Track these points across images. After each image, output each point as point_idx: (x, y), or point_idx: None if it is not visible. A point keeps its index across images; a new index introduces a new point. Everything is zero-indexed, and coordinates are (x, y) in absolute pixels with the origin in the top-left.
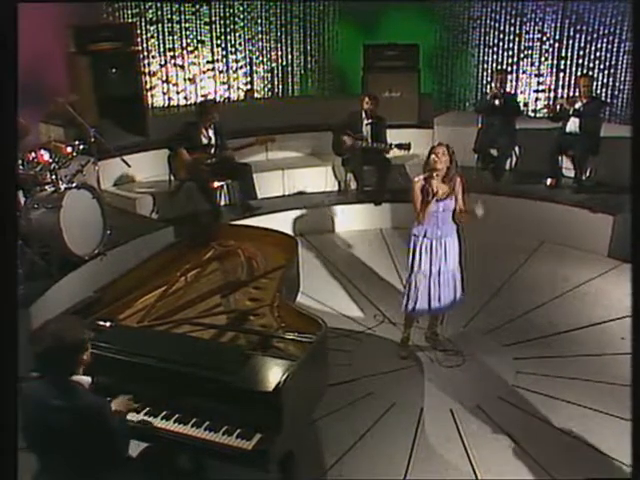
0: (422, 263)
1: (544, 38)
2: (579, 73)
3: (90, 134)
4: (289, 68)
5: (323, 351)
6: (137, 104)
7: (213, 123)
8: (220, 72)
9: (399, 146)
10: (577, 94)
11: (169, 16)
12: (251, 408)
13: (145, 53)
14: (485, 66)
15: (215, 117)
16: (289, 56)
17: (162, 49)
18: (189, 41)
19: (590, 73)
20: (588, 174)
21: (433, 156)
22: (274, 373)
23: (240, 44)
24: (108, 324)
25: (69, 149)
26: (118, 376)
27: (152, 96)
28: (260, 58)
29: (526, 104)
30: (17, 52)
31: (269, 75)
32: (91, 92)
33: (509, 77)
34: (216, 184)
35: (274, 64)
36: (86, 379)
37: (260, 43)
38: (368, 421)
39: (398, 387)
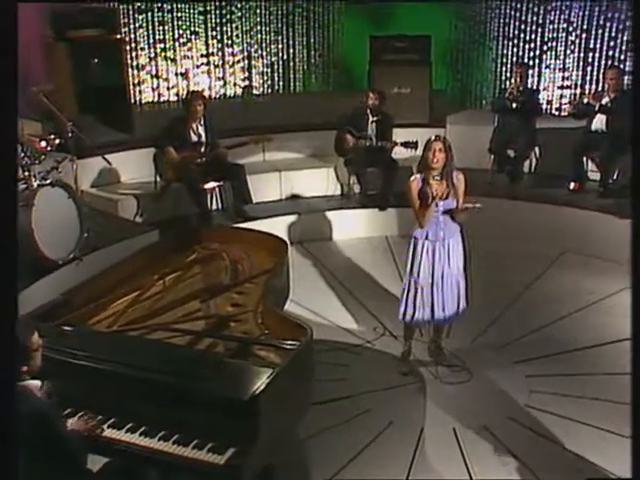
0: (422, 267)
1: (570, 28)
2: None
3: (67, 128)
4: (291, 63)
5: (307, 359)
6: (121, 98)
7: (203, 117)
8: (215, 67)
9: (405, 144)
10: (604, 88)
11: (159, 4)
12: (224, 419)
13: (133, 45)
14: (504, 60)
15: (202, 109)
16: (291, 50)
17: (152, 40)
18: (181, 32)
19: (621, 66)
20: (615, 176)
21: (429, 153)
22: (251, 381)
23: (237, 36)
24: (71, 328)
25: (43, 143)
26: (80, 384)
27: (140, 92)
28: (259, 52)
29: (550, 102)
30: (17, 52)
31: (269, 70)
32: (70, 83)
33: (530, 72)
34: (207, 186)
35: (274, 58)
36: (34, 383)
37: (259, 35)
38: (364, 439)
39: (397, 404)
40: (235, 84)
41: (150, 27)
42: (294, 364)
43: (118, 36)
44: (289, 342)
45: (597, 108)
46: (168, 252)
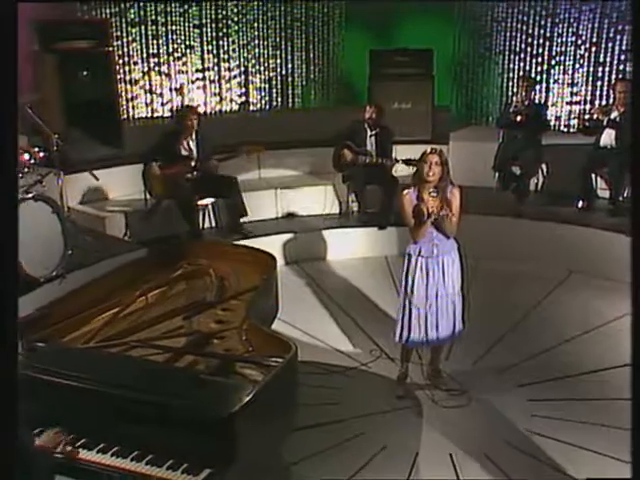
0: (416, 285)
1: (579, 41)
2: None
3: (53, 141)
4: (289, 78)
5: (291, 376)
6: (111, 112)
7: (195, 132)
8: (211, 82)
9: (407, 162)
10: (614, 102)
11: (153, 17)
12: (200, 438)
13: (126, 58)
14: (511, 75)
15: (195, 124)
16: (289, 65)
17: (145, 54)
18: (176, 46)
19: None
20: (626, 194)
21: (425, 167)
22: (229, 398)
23: (234, 50)
24: (43, 344)
25: (26, 156)
26: (49, 401)
27: (133, 107)
28: (257, 67)
29: (558, 118)
30: (17, 52)
31: (266, 86)
32: (58, 96)
33: (538, 87)
34: (199, 202)
35: (272, 73)
36: None
37: (257, 50)
38: (354, 465)
39: (391, 429)
40: (231, 100)
41: (144, 41)
42: (276, 381)
43: (109, 48)
44: (272, 359)
45: (605, 123)
46: (153, 267)
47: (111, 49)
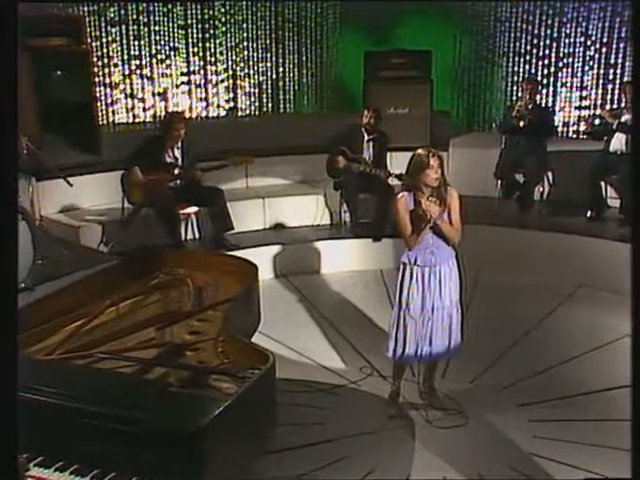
0: (411, 296)
1: (588, 42)
2: None
3: (22, 144)
4: (280, 82)
5: (267, 389)
6: (88, 115)
7: (180, 140)
8: (197, 86)
9: (400, 177)
10: (625, 105)
11: (135, 16)
12: (167, 454)
13: (105, 60)
14: (515, 78)
15: (182, 132)
16: (280, 68)
17: (126, 56)
18: (159, 48)
19: None
20: None
21: (430, 172)
22: (199, 411)
23: (221, 53)
24: None
25: None
26: None
27: (114, 112)
28: (246, 70)
29: (566, 124)
30: (17, 53)
31: (256, 91)
32: (30, 97)
33: (545, 91)
34: (182, 211)
35: (262, 77)
36: None
37: (246, 52)
38: None
39: (381, 450)
40: (219, 106)
41: (124, 41)
42: (251, 394)
43: (84, 47)
44: (247, 371)
45: (616, 126)
46: (126, 277)
47: (87, 48)
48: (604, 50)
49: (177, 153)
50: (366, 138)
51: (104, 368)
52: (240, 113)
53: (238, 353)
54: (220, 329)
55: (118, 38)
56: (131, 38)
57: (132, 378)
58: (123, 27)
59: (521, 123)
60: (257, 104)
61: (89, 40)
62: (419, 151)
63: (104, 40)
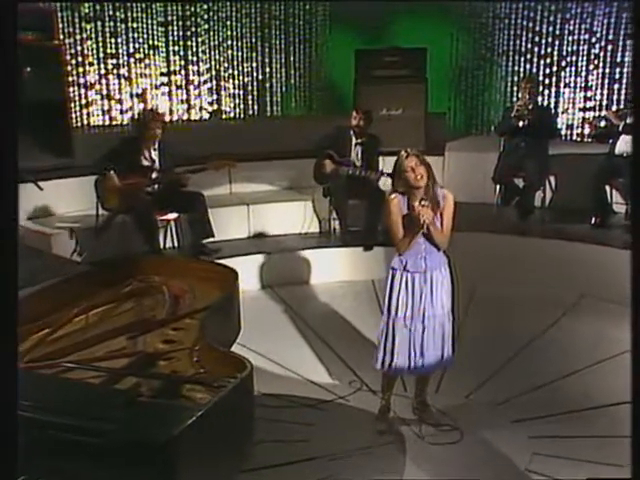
0: (401, 303)
1: (593, 39)
2: None
3: None
4: (267, 84)
5: (244, 398)
6: (60, 116)
7: (157, 141)
8: (178, 87)
9: (392, 175)
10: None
11: (111, 12)
12: (135, 467)
13: (79, 59)
14: (515, 78)
15: (159, 132)
16: (267, 68)
17: (102, 55)
18: (137, 46)
19: None
20: None
21: (409, 174)
22: (169, 422)
23: (204, 52)
24: None
25: None
26: None
27: (89, 114)
28: (230, 71)
29: (570, 126)
30: (16, 52)
31: (241, 92)
32: None
33: (547, 92)
34: (160, 217)
35: (248, 78)
36: None
37: (230, 51)
38: None
39: (369, 469)
40: (201, 108)
41: (100, 39)
42: (226, 403)
43: (56, 42)
44: (223, 380)
45: (621, 128)
46: (98, 284)
47: (60, 43)
48: (610, 48)
49: (154, 155)
50: (354, 141)
51: (71, 378)
52: (224, 116)
53: (215, 362)
54: (196, 338)
55: (93, 35)
56: (107, 35)
57: (100, 388)
58: (99, 23)
59: (520, 123)
60: (242, 106)
61: (62, 37)
62: (400, 152)
63: (78, 37)
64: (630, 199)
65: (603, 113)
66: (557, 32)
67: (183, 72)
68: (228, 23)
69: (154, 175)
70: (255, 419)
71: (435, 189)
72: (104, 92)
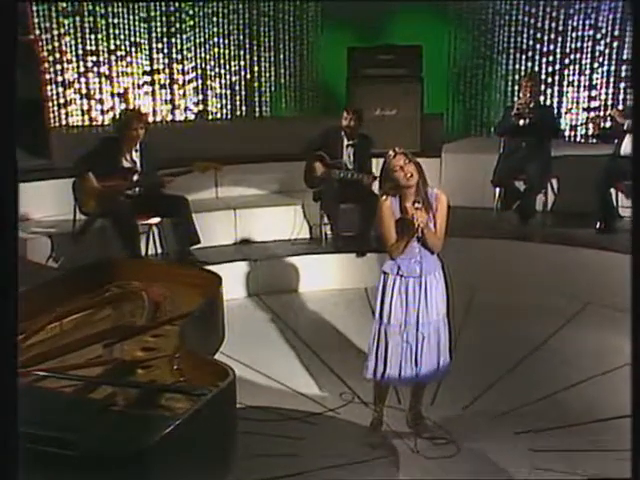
0: (394, 309)
1: (598, 35)
2: None
3: None
4: (255, 83)
5: (227, 407)
6: (36, 115)
7: (139, 142)
8: (162, 87)
9: (380, 176)
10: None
11: (91, 7)
12: (109, 478)
13: (57, 55)
14: (516, 77)
15: (141, 133)
16: (255, 67)
17: (81, 52)
18: (119, 43)
19: None
20: None
21: (398, 174)
22: (144, 432)
23: (189, 49)
24: None
25: None
26: None
27: (67, 114)
28: (217, 69)
29: (574, 127)
30: (16, 52)
31: (228, 92)
32: None
33: (549, 91)
34: (142, 222)
35: (235, 77)
36: None
37: (216, 49)
38: None
39: None
40: (186, 108)
41: (79, 35)
42: (206, 413)
43: (31, 37)
44: (204, 388)
45: (627, 128)
46: (73, 290)
47: (35, 38)
48: (615, 45)
49: (135, 157)
50: (346, 142)
51: (44, 387)
52: (210, 117)
53: (196, 371)
54: (177, 345)
55: (72, 31)
56: (87, 31)
57: (72, 397)
58: (77, 19)
59: (521, 122)
60: (229, 107)
61: (38, 32)
62: (388, 152)
63: (56, 32)
64: (632, 202)
65: (608, 112)
66: (560, 28)
67: (167, 71)
68: (215, 19)
69: (135, 177)
70: (240, 432)
71: (426, 190)
72: (83, 91)
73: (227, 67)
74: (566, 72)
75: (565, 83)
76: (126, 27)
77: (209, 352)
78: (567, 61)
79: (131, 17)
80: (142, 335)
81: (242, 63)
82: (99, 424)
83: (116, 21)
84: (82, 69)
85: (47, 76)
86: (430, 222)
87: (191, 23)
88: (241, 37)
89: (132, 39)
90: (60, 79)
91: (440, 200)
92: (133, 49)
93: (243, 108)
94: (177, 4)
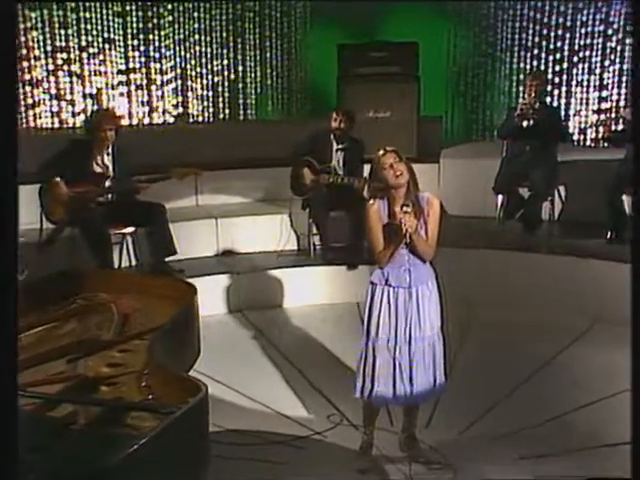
0: (382, 322)
1: (609, 31)
2: None
3: None
4: (240, 84)
5: (197, 424)
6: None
7: (111, 144)
8: (138, 87)
9: (369, 176)
10: None
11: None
12: None
13: (23, 52)
14: (521, 77)
15: (112, 135)
16: (240, 66)
17: (50, 48)
18: (91, 39)
19: None
20: None
21: (387, 172)
22: (106, 451)
23: (168, 47)
24: None
25: None
26: None
27: (35, 116)
28: (198, 69)
29: (583, 130)
30: (15, 52)
31: (210, 93)
32: None
33: (557, 92)
34: (114, 232)
35: (218, 78)
36: None
37: (198, 47)
38: None
39: None
40: (165, 111)
41: (47, 30)
42: (174, 430)
43: None
44: (173, 406)
45: None
46: (37, 301)
47: None
48: (628, 41)
49: (107, 161)
50: (336, 147)
51: None
52: (191, 120)
53: (166, 387)
54: (146, 361)
55: (39, 25)
56: (56, 26)
57: (31, 416)
58: (45, 12)
59: (524, 123)
60: (211, 109)
61: None
62: (378, 151)
63: (21, 26)
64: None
65: (620, 114)
66: (568, 24)
67: (144, 70)
68: (195, 15)
69: (107, 183)
70: (219, 457)
71: (417, 193)
72: (53, 91)
73: (209, 66)
74: (575, 71)
75: (574, 83)
76: (99, 22)
77: (183, 368)
78: (576, 59)
79: (104, 11)
80: (109, 350)
81: (225, 62)
82: (60, 443)
83: (88, 15)
84: (51, 67)
85: None
86: (420, 228)
87: (170, 19)
88: (224, 34)
89: (106, 35)
90: (27, 77)
91: (432, 204)
92: (107, 46)
93: (226, 111)
94: None
